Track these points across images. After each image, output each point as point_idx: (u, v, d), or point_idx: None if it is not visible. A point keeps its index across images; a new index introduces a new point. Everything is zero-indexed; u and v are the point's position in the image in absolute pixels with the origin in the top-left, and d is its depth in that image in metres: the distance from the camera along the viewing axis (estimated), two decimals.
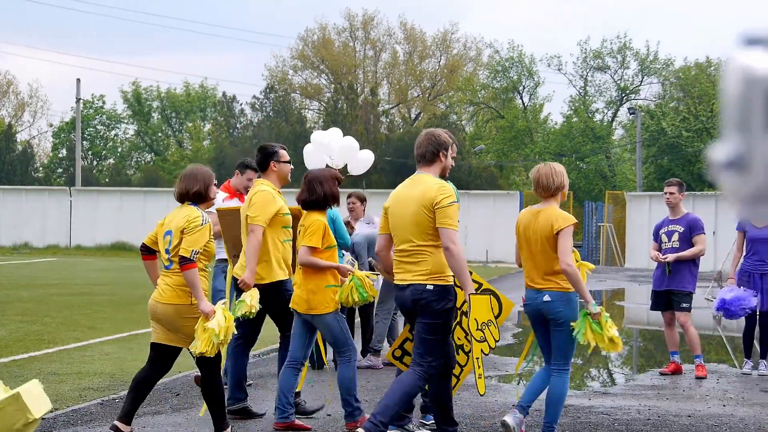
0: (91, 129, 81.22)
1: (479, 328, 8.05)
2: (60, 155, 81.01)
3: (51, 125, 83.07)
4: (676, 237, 12.79)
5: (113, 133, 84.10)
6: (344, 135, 16.03)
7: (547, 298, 8.44)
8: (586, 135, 63.52)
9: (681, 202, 13.04)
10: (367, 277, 9.29)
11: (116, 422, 8.43)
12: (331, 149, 13.57)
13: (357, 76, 74.88)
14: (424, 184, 8.13)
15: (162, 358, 8.50)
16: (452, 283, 8.11)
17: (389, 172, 58.52)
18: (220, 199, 11.15)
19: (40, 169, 78.82)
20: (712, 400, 11.12)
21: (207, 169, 8.77)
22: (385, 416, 7.92)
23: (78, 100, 61.47)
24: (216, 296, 10.91)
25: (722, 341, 12.96)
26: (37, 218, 48.88)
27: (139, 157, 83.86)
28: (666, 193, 13.07)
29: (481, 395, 8.55)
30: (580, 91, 68.29)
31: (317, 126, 71.92)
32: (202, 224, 8.31)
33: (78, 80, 60.77)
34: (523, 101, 70.24)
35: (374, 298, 9.48)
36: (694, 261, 12.73)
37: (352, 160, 15.59)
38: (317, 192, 9.15)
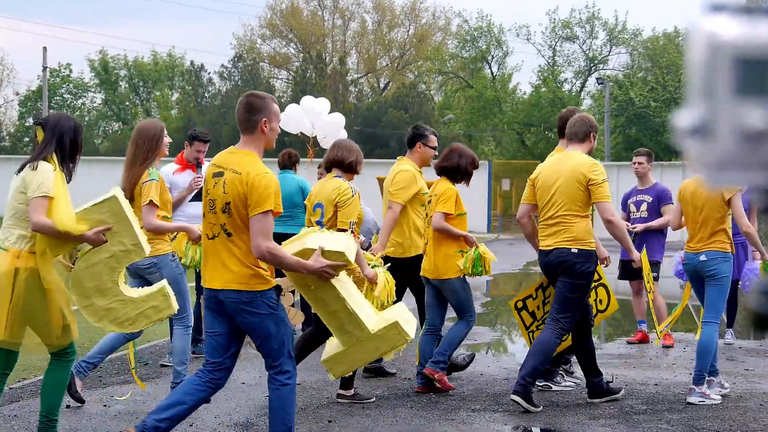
0: (58, 98, 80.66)
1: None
2: (27, 124, 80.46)
3: (17, 93, 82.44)
4: (644, 207, 12.84)
5: (80, 101, 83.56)
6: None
7: (703, 257, 9.26)
8: (554, 105, 63.61)
9: (650, 172, 13.07)
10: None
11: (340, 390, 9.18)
12: (321, 119, 13.47)
13: (326, 45, 74.65)
14: (577, 160, 8.94)
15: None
16: (594, 248, 9.01)
17: (358, 141, 58.39)
18: (171, 171, 10.98)
19: (7, 138, 78.25)
20: (679, 369, 11.20)
21: (356, 145, 9.26)
22: (531, 376, 8.76)
23: (44, 68, 60.96)
24: None
25: (689, 310, 13.03)
26: (3, 187, 48.58)
27: (107, 126, 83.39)
28: (635, 163, 13.09)
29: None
30: (549, 61, 68.36)
31: (286, 95, 71.72)
32: (352, 195, 8.72)
33: (44, 48, 60.23)
34: (492, 71, 70.22)
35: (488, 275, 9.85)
36: (662, 231, 12.78)
37: (330, 137, 15.34)
38: (455, 161, 9.71)
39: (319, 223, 8.70)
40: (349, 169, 9.03)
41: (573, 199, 8.92)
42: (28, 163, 7.05)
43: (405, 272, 9.97)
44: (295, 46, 75.61)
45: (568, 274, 8.90)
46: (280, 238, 7.20)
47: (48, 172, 6.88)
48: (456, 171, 9.70)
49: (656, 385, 10.24)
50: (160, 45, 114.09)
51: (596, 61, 67.65)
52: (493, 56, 69.52)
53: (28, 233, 6.81)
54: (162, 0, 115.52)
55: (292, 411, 6.60)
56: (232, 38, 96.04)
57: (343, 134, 15.81)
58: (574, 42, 67.67)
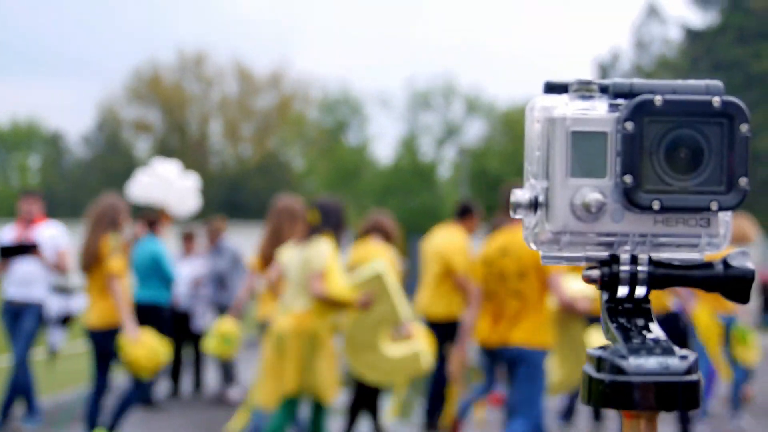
0: None
1: None
2: None
3: None
4: None
5: None
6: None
7: None
8: (414, 173, 64.25)
9: None
10: None
11: None
12: (171, 186, 13.34)
13: (188, 113, 74.31)
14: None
15: None
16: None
17: (221, 209, 58.26)
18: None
19: None
20: None
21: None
22: None
23: None
24: None
25: None
26: None
27: None
28: None
29: None
30: (408, 129, 69.07)
31: (148, 161, 71.05)
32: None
33: None
34: (350, 139, 70.66)
35: None
36: None
37: (181, 205, 15.06)
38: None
39: None
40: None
41: None
42: (306, 241, 8.26)
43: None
44: (157, 113, 75.13)
45: None
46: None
47: (325, 249, 8.12)
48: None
49: None
50: (19, 108, 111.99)
51: (453, 131, 68.60)
52: (352, 124, 69.97)
53: (310, 300, 8.08)
54: (15, 64, 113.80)
55: None
56: (94, 104, 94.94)
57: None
58: (431, 111, 68.58)
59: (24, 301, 10.75)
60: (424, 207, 63.67)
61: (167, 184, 13.31)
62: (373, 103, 69.46)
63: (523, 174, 1.74)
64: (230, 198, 62.06)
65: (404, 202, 63.79)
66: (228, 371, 13.66)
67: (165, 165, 14.03)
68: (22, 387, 10.66)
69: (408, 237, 49.60)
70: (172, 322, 13.29)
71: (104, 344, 9.24)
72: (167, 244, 12.30)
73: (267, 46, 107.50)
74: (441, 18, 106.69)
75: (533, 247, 1.70)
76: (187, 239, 14.14)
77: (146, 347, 9.05)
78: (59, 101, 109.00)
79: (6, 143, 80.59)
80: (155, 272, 12.40)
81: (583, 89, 1.69)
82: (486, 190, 61.18)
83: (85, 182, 66.93)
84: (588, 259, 1.69)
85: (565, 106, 1.68)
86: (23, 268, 10.78)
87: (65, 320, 10.90)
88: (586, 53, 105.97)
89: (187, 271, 13.78)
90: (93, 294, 9.26)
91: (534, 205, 1.67)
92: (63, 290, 11.03)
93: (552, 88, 1.71)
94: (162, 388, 13.76)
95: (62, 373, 10.00)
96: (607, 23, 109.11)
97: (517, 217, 1.71)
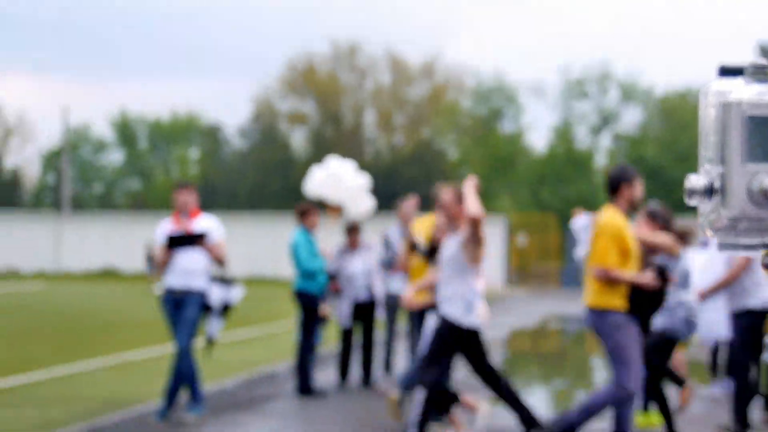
0: (79, 155, 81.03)
1: None
2: (48, 181, 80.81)
3: (39, 151, 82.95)
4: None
5: (101, 159, 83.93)
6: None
7: None
8: (568, 161, 63.60)
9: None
10: None
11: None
12: (345, 186, 13.41)
13: (342, 103, 74.88)
14: None
15: None
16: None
17: (374, 198, 58.56)
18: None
19: (29, 194, 78.58)
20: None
21: None
22: None
23: (66, 126, 61.47)
24: None
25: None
26: (26, 243, 48.83)
27: (127, 183, 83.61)
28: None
29: None
30: (562, 117, 68.40)
31: (303, 152, 71.90)
32: None
33: (65, 108, 60.84)
34: (504, 128, 70.32)
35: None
36: None
37: (359, 202, 15.08)
38: None
39: None
40: None
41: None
42: None
43: None
44: (312, 104, 75.88)
45: None
46: None
47: None
48: None
49: None
50: (179, 103, 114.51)
51: (609, 119, 67.67)
52: (507, 113, 69.64)
53: None
54: (177, 60, 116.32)
55: None
56: (250, 97, 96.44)
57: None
58: (586, 99, 67.72)
59: (186, 290, 10.93)
60: (579, 196, 62.95)
61: (340, 182, 13.42)
62: (527, 92, 68.87)
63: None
64: (384, 187, 62.33)
65: (559, 191, 63.24)
66: (388, 361, 13.70)
67: (339, 163, 14.12)
68: (185, 375, 10.87)
69: (563, 227, 49.29)
70: (351, 312, 13.55)
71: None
72: (334, 238, 12.42)
73: (420, 36, 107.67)
74: (595, 4, 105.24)
75: (709, 233, 1.66)
76: (352, 232, 13.93)
77: None
78: (217, 95, 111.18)
79: (167, 137, 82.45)
80: (294, 261, 12.75)
81: (760, 73, 1.65)
82: (643, 178, 60.28)
83: (241, 174, 67.97)
84: (766, 246, 1.65)
85: (740, 90, 1.63)
86: (185, 258, 10.95)
87: (224, 310, 11.11)
88: (748, 37, 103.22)
89: (359, 264, 13.70)
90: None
91: (709, 191, 1.64)
92: (221, 280, 11.23)
93: (726, 71, 1.67)
94: (328, 377, 13.88)
95: (220, 362, 10.19)
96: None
97: (692, 203, 1.68)
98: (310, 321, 12.90)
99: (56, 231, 49.56)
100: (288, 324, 21.00)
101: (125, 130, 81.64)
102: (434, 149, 69.71)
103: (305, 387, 12.74)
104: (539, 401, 12.98)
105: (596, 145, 68.76)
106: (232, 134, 74.02)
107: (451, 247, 9.06)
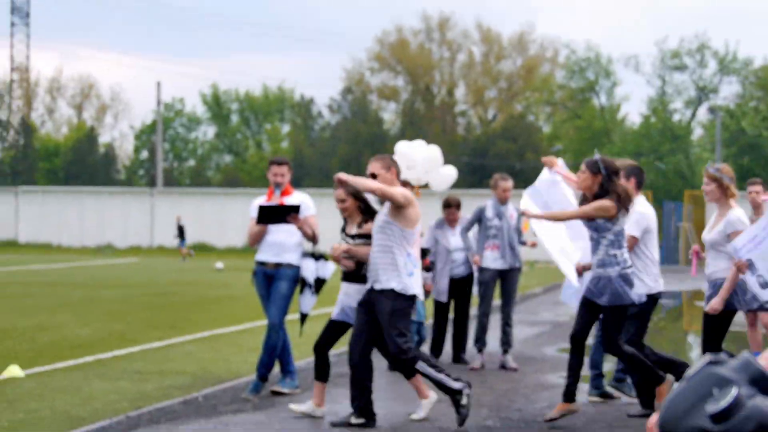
0: (172, 131, 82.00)
1: None
2: (141, 157, 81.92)
3: (132, 127, 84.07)
4: None
5: (193, 135, 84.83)
6: (423, 140, 15.42)
7: None
8: (664, 135, 62.80)
9: (765, 203, 12.68)
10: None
11: None
12: (413, 159, 13.44)
13: (433, 78, 74.76)
14: None
15: None
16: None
17: (466, 173, 58.42)
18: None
19: (122, 170, 79.75)
20: None
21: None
22: None
23: (158, 103, 62.18)
24: None
25: None
26: (120, 219, 49.54)
27: (219, 158, 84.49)
28: (750, 192, 12.70)
29: None
30: (658, 91, 67.56)
31: (394, 126, 71.95)
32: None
33: (158, 83, 61.51)
34: (600, 101, 69.68)
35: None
36: None
37: (434, 174, 15.08)
38: None
39: None
40: None
41: None
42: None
43: None
44: (403, 78, 75.86)
45: None
46: None
47: None
48: None
49: None
50: (270, 78, 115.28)
51: (707, 91, 66.68)
52: (601, 86, 68.98)
53: None
54: (270, 34, 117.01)
55: None
56: (341, 71, 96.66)
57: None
58: (683, 71, 66.77)
59: (279, 264, 10.94)
60: (676, 170, 62.21)
61: (413, 161, 13.39)
62: (621, 65, 68.09)
63: None
64: (476, 162, 62.14)
65: (655, 165, 62.50)
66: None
67: (412, 143, 14.08)
68: (278, 350, 10.89)
69: (658, 201, 48.74)
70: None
71: None
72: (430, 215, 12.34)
73: (511, 9, 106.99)
74: None
75: None
76: (449, 207, 13.75)
77: None
78: (308, 69, 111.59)
79: (258, 111, 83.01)
80: None
81: None
82: (741, 151, 59.31)
83: (332, 148, 68.19)
84: None
85: None
86: (278, 232, 10.94)
87: (317, 286, 11.08)
88: None
89: (457, 239, 13.63)
90: None
91: None
92: (314, 256, 11.22)
93: None
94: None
95: (313, 337, 10.21)
96: None
97: None
98: None
99: (149, 207, 50.20)
100: None
101: (217, 105, 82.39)
102: (526, 123, 69.28)
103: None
104: None
105: (693, 119, 67.87)
106: (323, 109, 74.30)
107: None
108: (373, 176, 9.43)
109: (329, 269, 10.99)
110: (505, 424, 9.58)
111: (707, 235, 9.53)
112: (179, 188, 64.79)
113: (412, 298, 9.28)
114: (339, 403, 10.32)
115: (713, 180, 9.46)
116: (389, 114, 76.50)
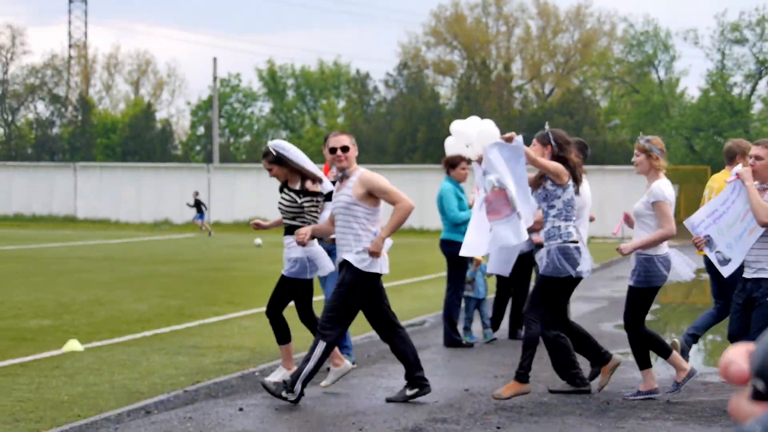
0: (228, 107, 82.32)
1: None
2: (198, 133, 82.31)
3: (189, 103, 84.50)
4: None
5: (249, 110, 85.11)
6: (479, 116, 15.41)
7: None
8: (723, 109, 62.12)
9: None
10: None
11: None
12: (469, 136, 13.36)
13: (490, 52, 74.43)
14: None
15: None
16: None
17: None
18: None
19: (179, 146, 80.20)
20: None
21: None
22: None
23: (215, 78, 62.40)
24: None
25: None
26: (177, 195, 49.83)
27: (275, 134, 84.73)
28: None
29: None
30: (718, 64, 66.77)
31: (450, 102, 71.72)
32: None
33: (215, 59, 61.71)
34: (658, 75, 69.02)
35: None
36: None
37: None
38: None
39: None
40: None
41: None
42: None
43: None
44: (459, 53, 75.59)
45: None
46: None
47: None
48: None
49: None
50: (326, 53, 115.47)
51: (767, 65, 65.83)
52: (659, 60, 68.30)
53: None
54: (325, 9, 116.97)
55: None
56: (397, 46, 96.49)
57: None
58: (743, 45, 65.91)
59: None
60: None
61: (468, 138, 13.34)
62: (680, 39, 67.29)
63: None
64: (533, 137, 61.84)
65: (714, 140, 61.84)
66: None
67: (465, 120, 14.02)
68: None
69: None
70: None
71: None
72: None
73: None
74: None
75: None
76: None
77: None
78: (364, 45, 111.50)
79: (314, 87, 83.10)
80: (442, 212, 12.70)
81: None
82: None
83: (388, 124, 68.11)
84: None
85: None
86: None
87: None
88: None
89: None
90: None
91: None
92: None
93: None
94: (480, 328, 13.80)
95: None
96: None
97: None
98: (457, 272, 12.82)
99: (206, 182, 50.46)
100: (436, 276, 21.04)
101: (273, 81, 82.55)
102: (584, 98, 68.79)
103: (449, 339, 12.72)
104: (692, 354, 12.78)
105: (753, 93, 67.05)
106: (378, 84, 74.20)
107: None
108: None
109: (387, 245, 10.98)
110: (561, 401, 9.53)
111: (635, 207, 9.50)
112: (235, 164, 65.05)
113: (373, 277, 9.27)
114: (395, 378, 10.30)
115: (642, 151, 9.47)
116: (445, 89, 76.29)
